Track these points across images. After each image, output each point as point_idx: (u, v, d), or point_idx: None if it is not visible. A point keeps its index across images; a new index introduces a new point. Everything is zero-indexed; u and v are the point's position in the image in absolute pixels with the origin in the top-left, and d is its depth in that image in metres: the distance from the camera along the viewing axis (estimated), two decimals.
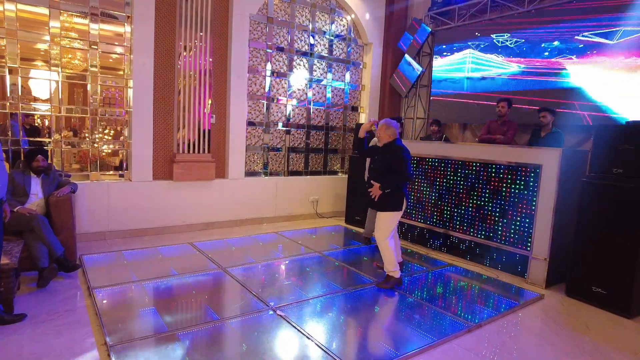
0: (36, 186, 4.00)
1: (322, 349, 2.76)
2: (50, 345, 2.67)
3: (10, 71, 4.58)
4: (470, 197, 4.91)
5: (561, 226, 4.18)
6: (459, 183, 5.03)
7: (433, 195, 5.36)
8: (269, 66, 6.45)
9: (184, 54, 5.41)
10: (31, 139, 4.87)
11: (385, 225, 3.86)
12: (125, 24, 5.22)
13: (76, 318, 3.07)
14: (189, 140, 5.57)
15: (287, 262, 4.64)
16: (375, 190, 3.81)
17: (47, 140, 4.91)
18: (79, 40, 4.99)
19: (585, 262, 3.88)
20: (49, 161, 4.32)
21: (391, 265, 3.90)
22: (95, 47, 5.04)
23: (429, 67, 7.48)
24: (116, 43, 5.23)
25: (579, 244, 3.94)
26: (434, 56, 7.26)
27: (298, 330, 3.01)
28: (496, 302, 3.79)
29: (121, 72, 5.33)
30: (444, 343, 2.96)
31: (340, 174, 7.53)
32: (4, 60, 4.55)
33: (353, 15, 7.26)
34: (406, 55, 7.38)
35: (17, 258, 3.12)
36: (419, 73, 7.34)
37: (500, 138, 5.12)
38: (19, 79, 4.64)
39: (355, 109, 7.68)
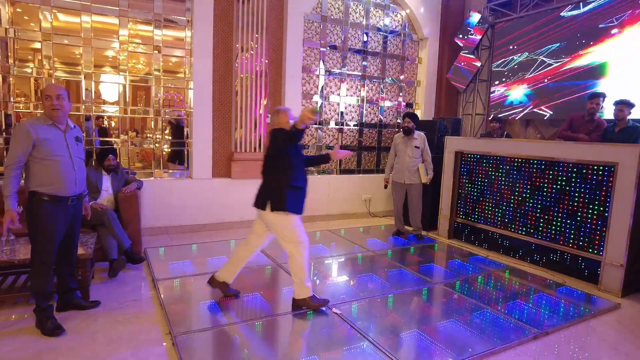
0: (107, 183, 4.29)
1: (379, 348, 2.72)
2: (121, 332, 2.85)
3: (85, 77, 4.95)
4: (534, 197, 4.63)
5: None
6: (521, 182, 4.76)
7: (494, 195, 5.11)
8: (322, 65, 6.48)
9: (241, 55, 5.56)
10: (102, 138, 5.24)
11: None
12: (186, 28, 5.46)
13: (143, 307, 3.25)
14: (246, 140, 5.71)
15: (340, 260, 4.64)
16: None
17: (116, 139, 5.26)
18: (143, 46, 5.29)
19: None
20: (118, 160, 4.62)
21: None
22: (159, 51, 5.32)
23: (488, 61, 7.16)
24: (175, 47, 5.50)
25: None
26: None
27: (354, 328, 2.98)
28: (564, 309, 3.54)
29: (182, 75, 5.58)
30: (507, 349, 2.81)
31: None
32: (79, 67, 4.93)
33: (408, 10, 7.10)
34: (462, 52, 7.12)
35: (91, 249, 3.36)
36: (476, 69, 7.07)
37: (584, 138, 4.61)
38: (92, 84, 5.01)
39: (410, 105, 7.51)
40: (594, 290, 3.97)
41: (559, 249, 4.40)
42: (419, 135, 5.34)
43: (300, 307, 3.22)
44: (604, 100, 4.67)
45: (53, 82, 4.75)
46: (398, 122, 7.40)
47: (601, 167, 4.00)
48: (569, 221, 4.30)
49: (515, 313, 3.39)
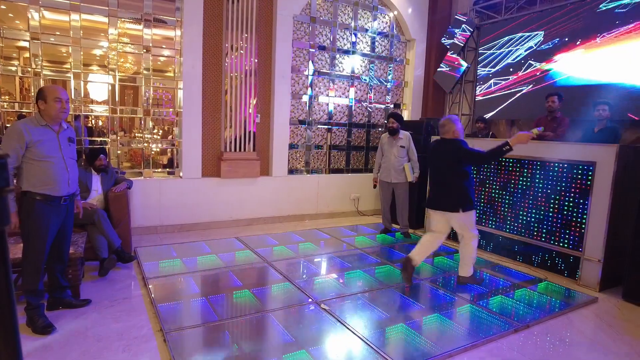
0: (97, 183, 4.30)
1: (366, 343, 2.80)
2: (112, 329, 2.89)
3: (74, 76, 4.94)
4: (516, 195, 4.76)
5: (617, 226, 3.97)
6: (505, 181, 4.89)
7: (478, 194, 5.23)
8: (311, 65, 6.54)
9: (231, 54, 5.60)
10: (92, 138, 5.23)
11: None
12: (176, 28, 5.47)
13: (133, 305, 3.28)
14: (236, 139, 5.76)
15: (328, 257, 4.71)
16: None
17: (106, 139, 5.26)
18: (131, 45, 5.29)
19: None
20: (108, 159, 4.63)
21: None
22: (148, 50, 5.33)
23: (474, 62, 7.30)
24: (164, 46, 5.51)
25: (638, 245, 3.72)
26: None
27: (342, 323, 3.06)
28: (545, 303, 3.67)
29: (171, 74, 5.60)
30: (490, 342, 2.91)
31: None
32: (67, 66, 4.92)
33: (396, 12, 7.20)
34: (449, 53, 7.24)
35: (82, 248, 3.39)
36: (462, 69, 7.19)
37: (550, 135, 4.90)
38: (82, 84, 5.00)
39: (397, 106, 7.62)
40: (573, 285, 4.11)
41: (540, 246, 4.54)
42: (405, 135, 5.44)
43: (465, 283, 3.88)
44: (560, 98, 4.97)
45: (42, 81, 4.74)
46: (385, 122, 7.49)
47: (580, 166, 4.14)
48: (550, 218, 4.43)
49: (498, 307, 3.50)
